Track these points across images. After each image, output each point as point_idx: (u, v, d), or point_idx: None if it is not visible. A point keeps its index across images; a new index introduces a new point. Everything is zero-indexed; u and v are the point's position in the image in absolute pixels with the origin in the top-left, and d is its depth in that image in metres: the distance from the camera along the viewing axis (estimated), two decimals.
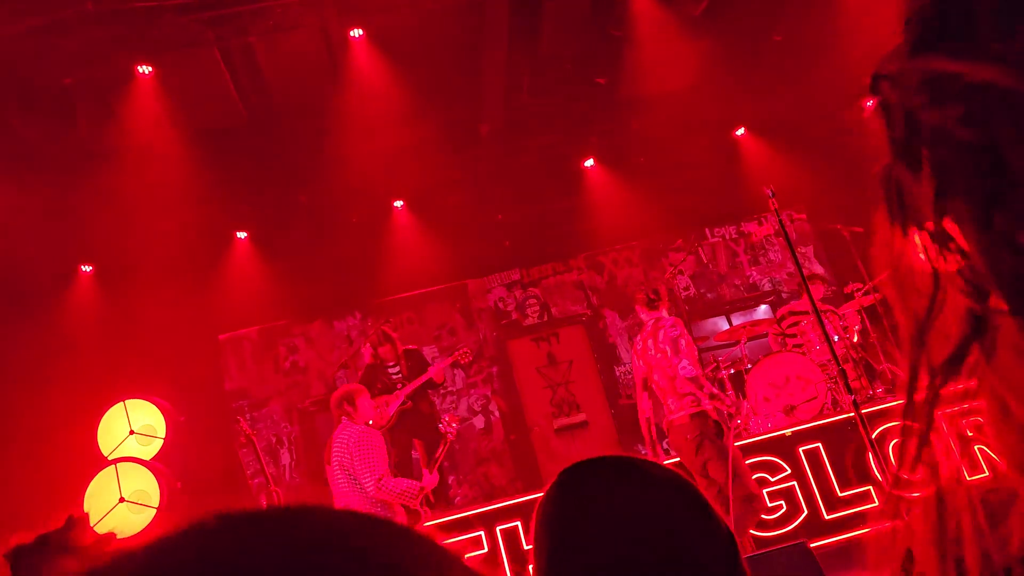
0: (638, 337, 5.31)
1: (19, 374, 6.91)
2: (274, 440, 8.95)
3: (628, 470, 1.05)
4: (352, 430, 5.13)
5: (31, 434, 5.34)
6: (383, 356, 6.99)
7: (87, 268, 8.11)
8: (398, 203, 8.71)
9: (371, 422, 5.38)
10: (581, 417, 9.25)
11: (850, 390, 3.36)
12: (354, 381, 7.04)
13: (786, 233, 3.49)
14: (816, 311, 3.55)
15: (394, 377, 6.92)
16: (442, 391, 7.96)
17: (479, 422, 9.26)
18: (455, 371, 8.42)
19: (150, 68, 6.24)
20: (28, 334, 7.27)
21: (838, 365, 3.46)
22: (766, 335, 7.67)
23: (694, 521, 1.01)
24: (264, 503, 6.43)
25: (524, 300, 9.69)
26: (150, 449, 7.09)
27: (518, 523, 5.38)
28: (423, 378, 6.84)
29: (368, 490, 4.96)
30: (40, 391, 6.69)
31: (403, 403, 6.79)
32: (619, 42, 6.99)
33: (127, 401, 7.18)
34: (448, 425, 5.90)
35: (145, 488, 6.59)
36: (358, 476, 5.00)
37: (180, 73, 6.29)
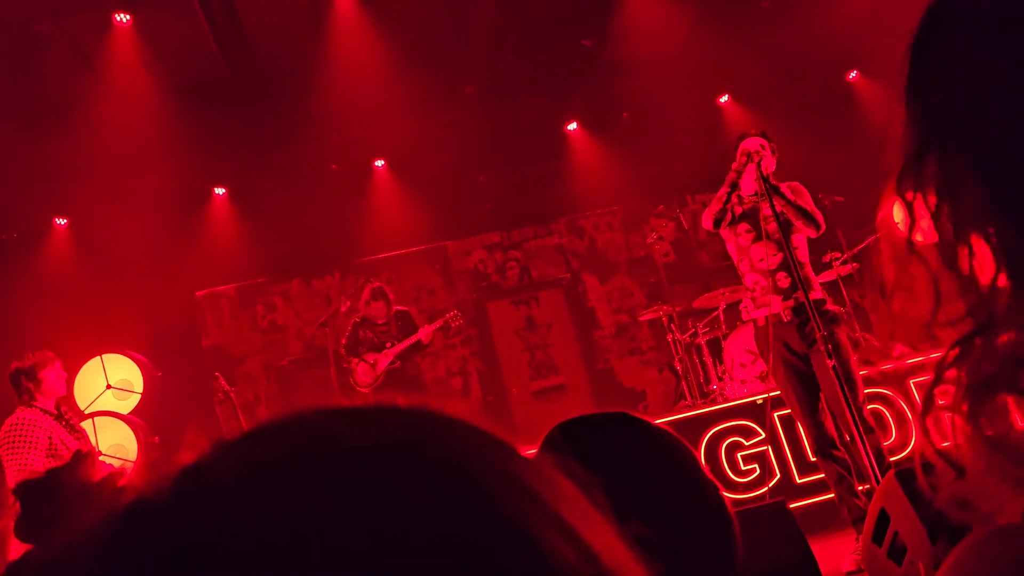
0: None
1: None
2: (252, 398, 8.94)
3: (622, 424, 1.08)
4: (20, 415, 4.28)
5: (7, 387, 5.31)
6: (374, 314, 6.80)
7: (61, 221, 7.97)
8: (379, 162, 8.62)
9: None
10: (559, 380, 9.33)
11: (830, 356, 3.42)
12: (341, 336, 6.95)
13: (772, 203, 3.52)
14: (797, 275, 3.60)
15: (382, 335, 6.81)
16: (421, 352, 7.97)
17: (457, 383, 9.31)
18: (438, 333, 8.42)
19: (128, 16, 6.10)
20: (3, 286, 7.17)
21: (819, 331, 3.51)
22: (741, 301, 7.74)
23: (685, 473, 1.05)
24: None
25: (504, 263, 9.69)
26: (127, 403, 7.07)
27: None
28: (413, 338, 6.74)
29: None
30: (16, 343, 6.61)
31: (392, 363, 6.72)
32: (606, 5, 6.92)
33: (104, 355, 7.13)
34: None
35: (122, 442, 6.58)
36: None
37: (158, 23, 6.17)
